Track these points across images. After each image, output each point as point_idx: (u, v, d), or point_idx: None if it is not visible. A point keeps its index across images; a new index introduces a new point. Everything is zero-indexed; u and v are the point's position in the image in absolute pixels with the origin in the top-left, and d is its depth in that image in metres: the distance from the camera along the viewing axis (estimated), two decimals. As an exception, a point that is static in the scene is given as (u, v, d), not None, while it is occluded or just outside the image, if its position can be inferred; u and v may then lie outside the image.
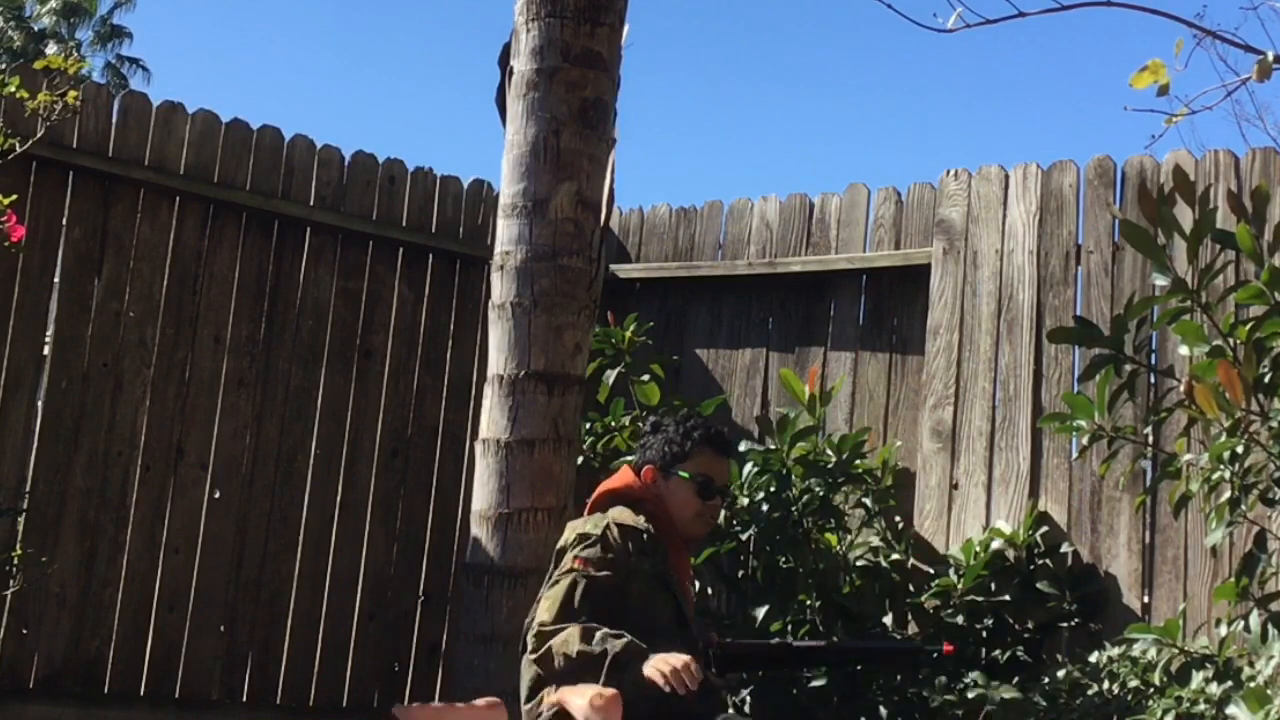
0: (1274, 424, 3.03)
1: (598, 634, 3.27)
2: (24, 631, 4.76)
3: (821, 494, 4.80)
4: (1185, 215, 3.13)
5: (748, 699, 4.75)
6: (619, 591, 3.40)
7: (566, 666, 3.28)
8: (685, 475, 3.58)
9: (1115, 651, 3.99)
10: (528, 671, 3.43)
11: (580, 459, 4.85)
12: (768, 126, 73.58)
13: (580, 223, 4.55)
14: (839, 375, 5.30)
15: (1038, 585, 4.59)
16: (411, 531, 5.53)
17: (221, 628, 5.14)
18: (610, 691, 3.19)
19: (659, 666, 3.17)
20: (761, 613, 4.74)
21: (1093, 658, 4.07)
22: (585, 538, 3.47)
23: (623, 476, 3.68)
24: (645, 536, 3.48)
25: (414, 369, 5.60)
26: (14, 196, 4.21)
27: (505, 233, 4.60)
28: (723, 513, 4.76)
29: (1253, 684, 3.26)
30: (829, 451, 4.82)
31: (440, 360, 5.67)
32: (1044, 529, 4.67)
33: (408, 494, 5.55)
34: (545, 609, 3.40)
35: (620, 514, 3.53)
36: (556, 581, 3.44)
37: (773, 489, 4.77)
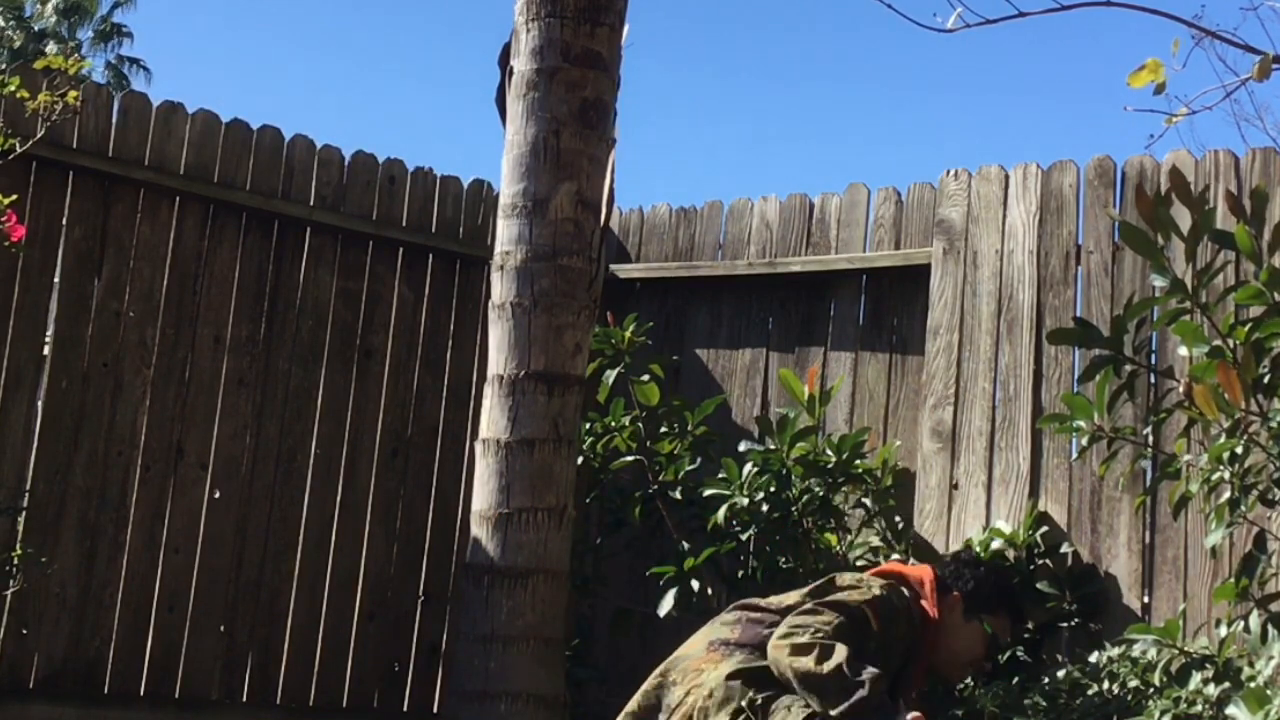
0: (1273, 424, 3.03)
1: (865, 669, 3.36)
2: (24, 631, 4.76)
3: (821, 494, 4.80)
4: (1185, 215, 3.13)
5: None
6: (881, 655, 3.56)
7: (812, 676, 3.36)
8: (987, 628, 3.89)
9: (1115, 651, 3.99)
10: (757, 659, 3.53)
11: (580, 459, 4.85)
12: (768, 126, 73.58)
13: (580, 223, 4.55)
14: (839, 375, 5.30)
15: (1038, 585, 4.59)
16: (411, 531, 5.53)
17: (221, 628, 5.14)
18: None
19: None
20: (761, 613, 4.73)
21: (1093, 658, 4.07)
22: (887, 591, 3.69)
23: (926, 578, 3.87)
24: (914, 631, 3.73)
25: (414, 369, 5.60)
26: (14, 196, 4.21)
27: (505, 233, 4.60)
28: (722, 511, 4.78)
29: (1252, 684, 3.26)
30: (829, 451, 4.82)
31: (440, 360, 5.67)
32: (1044, 529, 4.67)
33: (408, 494, 5.55)
34: (828, 618, 3.52)
35: (900, 596, 3.77)
36: (844, 603, 3.60)
37: (773, 489, 4.77)
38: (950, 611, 3.78)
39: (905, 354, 5.25)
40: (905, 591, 3.77)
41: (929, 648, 3.71)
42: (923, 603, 3.86)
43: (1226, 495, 3.17)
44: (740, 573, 4.98)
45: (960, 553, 4.35)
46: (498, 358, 4.53)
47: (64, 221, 4.93)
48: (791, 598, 3.80)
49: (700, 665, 3.67)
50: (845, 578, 3.80)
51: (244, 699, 5.15)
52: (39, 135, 4.47)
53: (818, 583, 3.83)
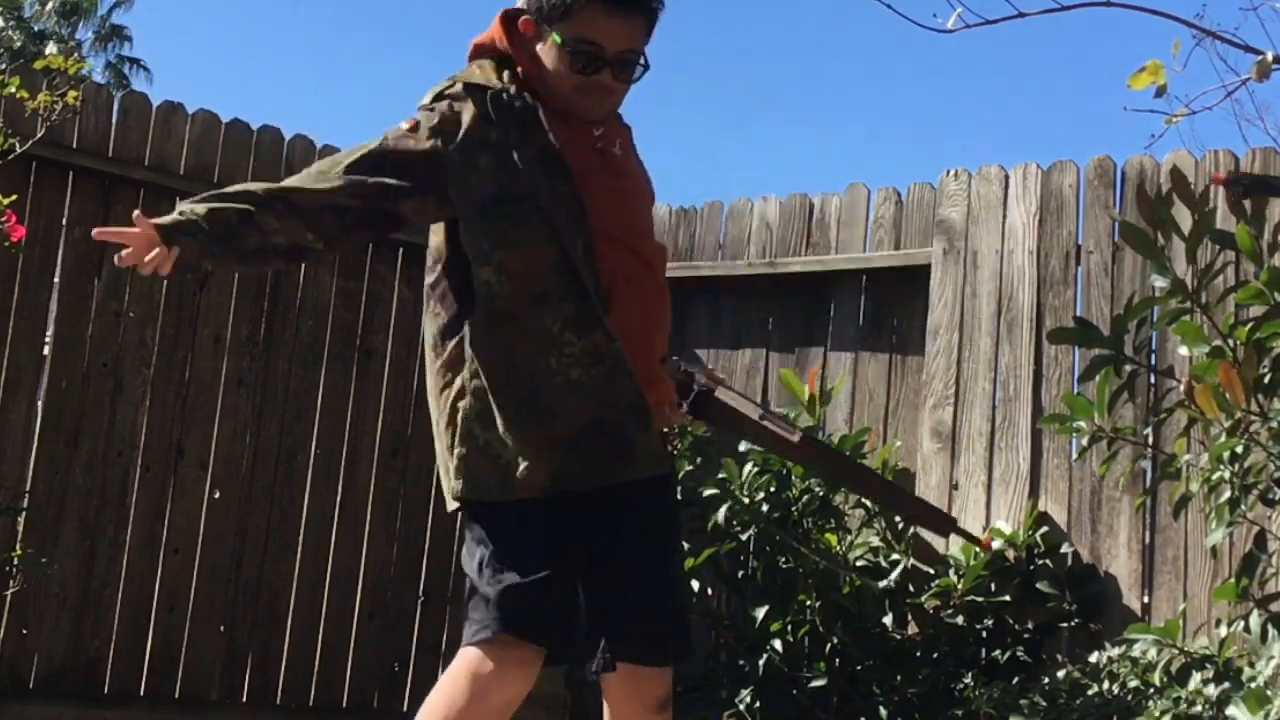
0: (1274, 424, 3.03)
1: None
2: (24, 631, 4.76)
3: (821, 494, 4.80)
4: (1185, 215, 3.13)
5: (747, 698, 4.76)
6: (439, 167, 2.67)
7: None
8: (558, 39, 2.70)
9: (1115, 652, 3.99)
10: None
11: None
12: (768, 126, 73.58)
13: (580, 223, 4.54)
14: (839, 375, 5.30)
15: (1038, 585, 4.59)
16: (411, 531, 5.53)
17: (221, 628, 5.14)
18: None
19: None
20: (761, 613, 4.74)
21: (1093, 658, 4.08)
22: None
23: (494, 27, 2.82)
24: (505, 98, 2.69)
25: (414, 369, 5.60)
26: (14, 196, 4.22)
27: (505, 233, 4.58)
28: (722, 511, 4.77)
29: (1252, 684, 3.26)
30: (829, 451, 4.82)
31: (440, 360, 5.66)
32: (1044, 529, 4.67)
33: (408, 494, 5.55)
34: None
35: (471, 71, 2.77)
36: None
37: (773, 489, 4.77)
38: (530, 43, 2.76)
39: (905, 354, 5.25)
40: (480, 65, 2.78)
41: (550, 100, 2.73)
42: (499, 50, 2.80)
43: (1227, 495, 3.17)
44: (740, 573, 4.98)
45: None
46: (498, 358, 4.52)
47: (64, 221, 4.93)
48: None
49: None
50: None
51: (244, 699, 5.15)
52: (39, 135, 4.47)
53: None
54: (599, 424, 2.64)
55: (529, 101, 2.70)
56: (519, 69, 2.75)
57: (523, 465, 2.61)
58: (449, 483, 2.70)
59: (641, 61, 2.77)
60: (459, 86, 2.72)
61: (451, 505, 2.72)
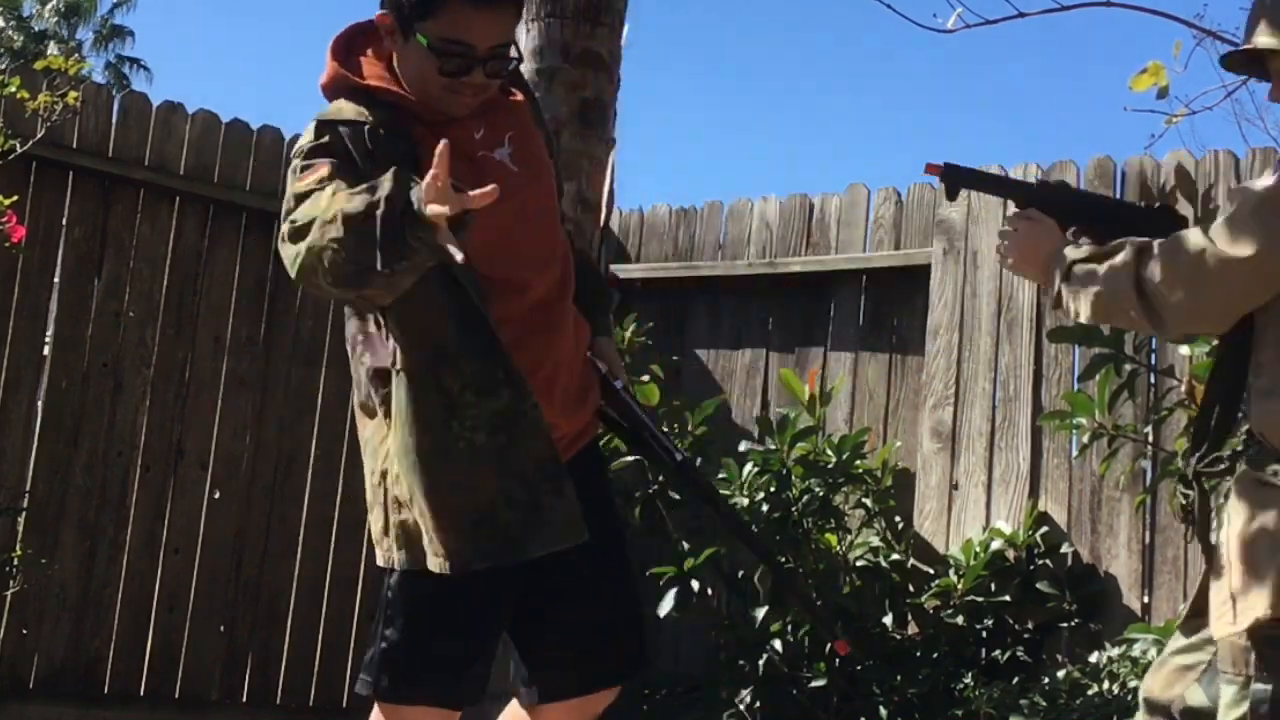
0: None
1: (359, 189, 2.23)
2: (24, 631, 4.76)
3: (821, 494, 4.79)
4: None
5: (747, 698, 4.75)
6: None
7: (339, 256, 2.24)
8: (423, 40, 2.40)
9: (1115, 651, 3.99)
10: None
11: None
12: (768, 126, 73.59)
13: (580, 223, 4.54)
14: (839, 375, 5.30)
15: (1038, 585, 4.59)
16: (411, 531, 5.52)
17: (221, 628, 5.14)
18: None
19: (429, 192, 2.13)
20: (761, 613, 4.74)
21: (1093, 658, 4.08)
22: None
23: (329, 63, 2.52)
24: (379, 132, 2.41)
25: (414, 369, 5.60)
26: (14, 197, 4.21)
27: (505, 233, 4.59)
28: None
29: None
30: (829, 452, 4.82)
31: (440, 360, 5.66)
32: (1044, 529, 4.67)
33: (408, 494, 5.54)
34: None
35: (329, 112, 2.49)
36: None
37: (773, 489, 4.77)
38: (389, 44, 2.47)
39: (905, 354, 5.25)
40: (337, 105, 2.48)
41: (422, 110, 2.47)
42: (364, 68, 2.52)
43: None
44: (740, 572, 4.98)
45: None
46: (498, 357, 4.52)
47: (64, 221, 4.93)
48: None
49: None
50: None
51: (244, 699, 5.15)
52: (39, 135, 4.47)
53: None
54: (508, 496, 2.37)
55: (398, 126, 2.42)
56: (372, 84, 2.46)
57: (431, 540, 2.38)
58: (379, 542, 2.49)
59: (514, 54, 2.50)
60: (326, 127, 2.43)
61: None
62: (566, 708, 2.54)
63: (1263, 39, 2.20)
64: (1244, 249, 2.08)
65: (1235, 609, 2.12)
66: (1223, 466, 2.26)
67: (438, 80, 2.42)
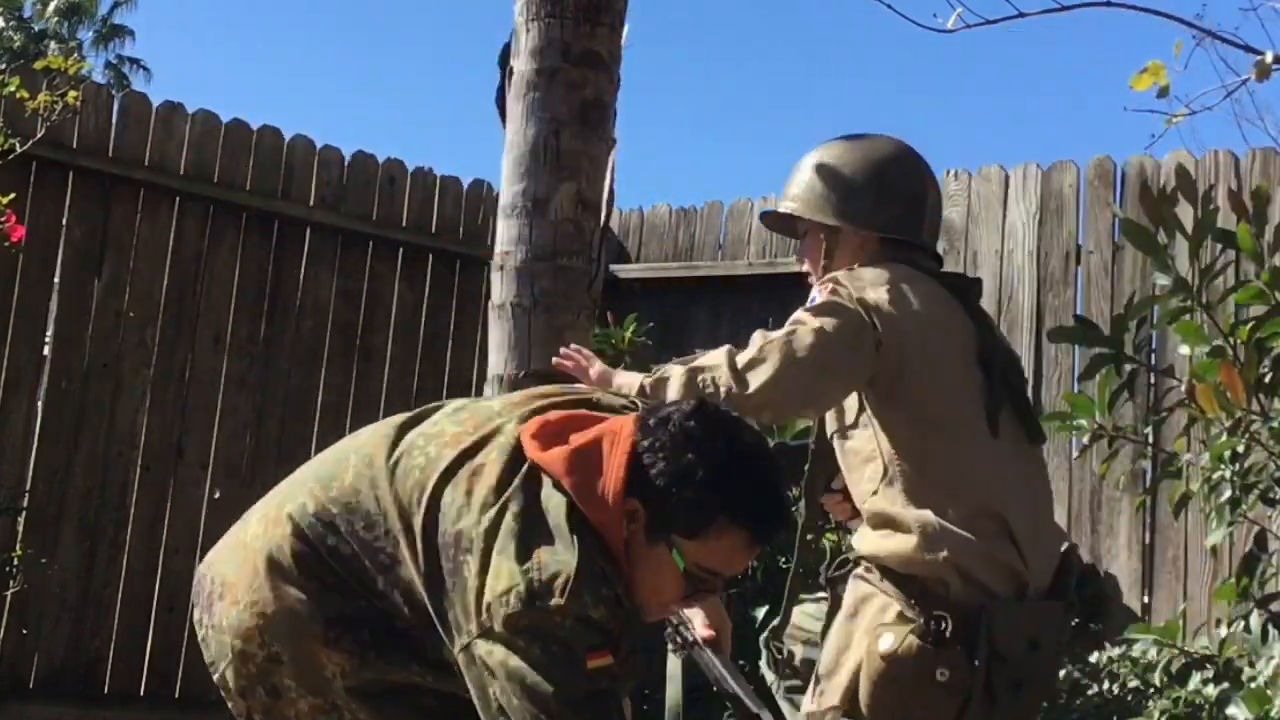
0: (1275, 424, 3.02)
1: None
2: (24, 631, 4.76)
3: (821, 494, 4.79)
4: (1185, 215, 3.13)
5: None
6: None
7: None
8: (678, 560, 2.04)
9: (1115, 652, 3.99)
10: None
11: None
12: (768, 126, 73.60)
13: (580, 223, 4.54)
14: (839, 375, 5.29)
15: (1038, 585, 4.58)
16: (411, 531, 5.52)
17: (221, 628, 5.13)
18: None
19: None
20: (761, 613, 4.73)
21: (1093, 658, 4.07)
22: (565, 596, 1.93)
23: (613, 464, 2.02)
24: (620, 608, 2.03)
25: (414, 369, 5.60)
26: (14, 196, 4.21)
27: (505, 233, 4.59)
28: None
29: (1252, 684, 3.26)
30: (829, 451, 4.81)
31: (440, 360, 5.66)
32: (1044, 529, 4.67)
33: (408, 494, 5.54)
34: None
35: (586, 578, 1.96)
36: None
37: (773, 489, 4.76)
38: (627, 526, 2.02)
39: (905, 354, 5.24)
40: (588, 572, 1.95)
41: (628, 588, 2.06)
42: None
43: (1227, 494, 3.17)
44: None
45: (669, 410, 2.12)
46: (498, 358, 4.52)
47: (64, 221, 4.93)
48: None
49: None
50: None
51: (244, 699, 5.14)
52: (39, 135, 4.47)
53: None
54: None
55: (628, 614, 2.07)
56: (610, 547, 2.03)
57: None
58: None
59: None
60: (583, 586, 1.94)
61: None
62: None
63: (786, 204, 2.39)
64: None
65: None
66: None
67: (671, 593, 2.14)
